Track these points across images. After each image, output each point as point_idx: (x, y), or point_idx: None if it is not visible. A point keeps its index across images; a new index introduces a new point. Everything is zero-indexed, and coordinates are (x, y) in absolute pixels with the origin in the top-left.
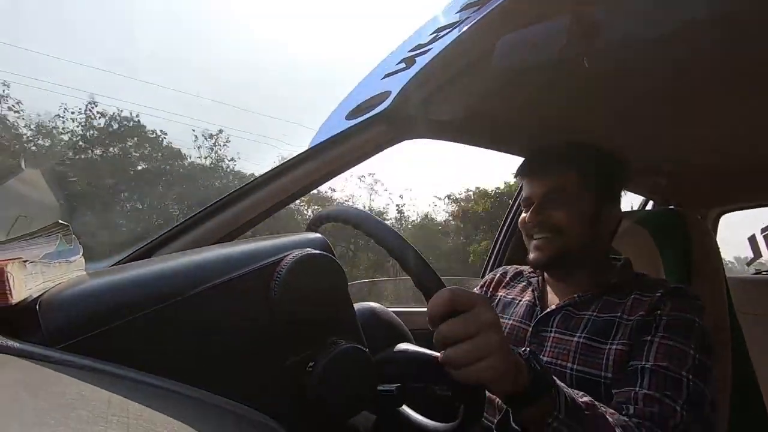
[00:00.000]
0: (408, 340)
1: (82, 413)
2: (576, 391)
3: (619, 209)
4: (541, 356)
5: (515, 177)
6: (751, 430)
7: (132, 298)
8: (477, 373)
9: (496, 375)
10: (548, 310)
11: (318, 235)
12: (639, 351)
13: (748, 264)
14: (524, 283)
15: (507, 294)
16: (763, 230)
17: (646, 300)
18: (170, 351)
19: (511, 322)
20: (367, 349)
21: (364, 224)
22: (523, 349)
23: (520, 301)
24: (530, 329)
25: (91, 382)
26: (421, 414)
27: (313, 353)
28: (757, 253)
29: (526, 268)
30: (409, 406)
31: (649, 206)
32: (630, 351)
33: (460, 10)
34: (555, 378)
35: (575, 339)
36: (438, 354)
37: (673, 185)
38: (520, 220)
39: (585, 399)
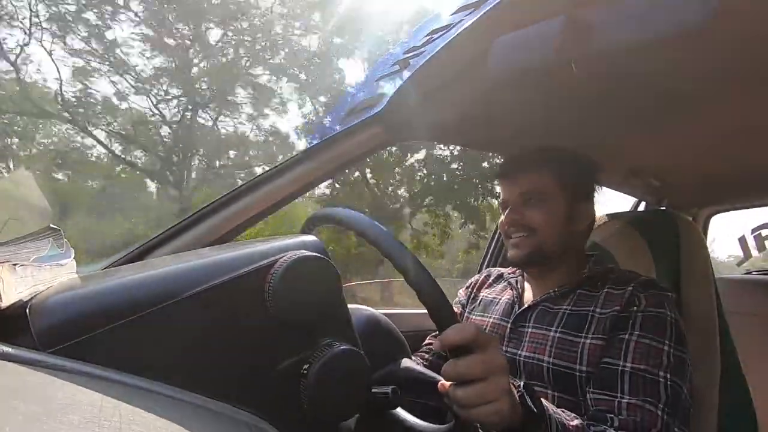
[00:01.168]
0: (401, 344)
1: (74, 417)
2: (567, 414)
3: (593, 207)
4: (519, 351)
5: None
6: (740, 430)
7: (124, 301)
8: (483, 416)
9: (500, 418)
10: (525, 306)
11: (312, 237)
12: (616, 349)
13: (738, 264)
14: (504, 284)
15: (488, 294)
16: (753, 230)
17: (619, 293)
18: (162, 354)
19: (491, 320)
20: (361, 351)
21: (367, 230)
22: (518, 384)
23: (500, 299)
24: (509, 326)
25: (82, 386)
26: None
27: (307, 355)
28: (747, 254)
29: (507, 270)
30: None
31: (642, 207)
32: (605, 346)
33: (454, 13)
34: (547, 406)
35: (551, 333)
36: (439, 378)
37: (664, 186)
38: (499, 222)
39: (575, 423)
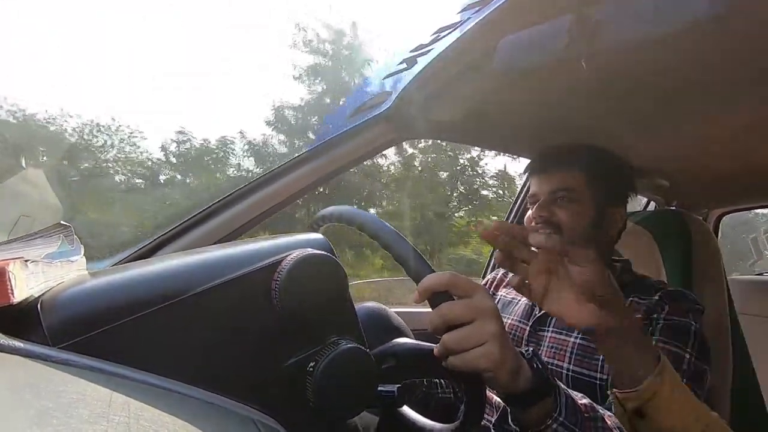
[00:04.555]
0: (406, 335)
1: (83, 412)
2: (576, 393)
3: (624, 213)
4: None
5: (523, 174)
6: (752, 431)
7: (133, 297)
8: (473, 360)
9: (493, 363)
10: None
11: (319, 235)
12: None
13: (750, 265)
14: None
15: (507, 293)
16: (766, 231)
17: (644, 303)
18: (171, 350)
19: (510, 321)
20: (368, 349)
21: (367, 225)
22: (526, 349)
23: (520, 300)
24: (528, 328)
25: (92, 381)
26: (422, 415)
27: (314, 353)
28: (759, 254)
29: None
30: (409, 406)
31: (651, 207)
32: None
33: (462, 11)
34: (555, 378)
35: (572, 339)
36: (435, 346)
37: (675, 186)
38: (526, 217)
39: (584, 401)
